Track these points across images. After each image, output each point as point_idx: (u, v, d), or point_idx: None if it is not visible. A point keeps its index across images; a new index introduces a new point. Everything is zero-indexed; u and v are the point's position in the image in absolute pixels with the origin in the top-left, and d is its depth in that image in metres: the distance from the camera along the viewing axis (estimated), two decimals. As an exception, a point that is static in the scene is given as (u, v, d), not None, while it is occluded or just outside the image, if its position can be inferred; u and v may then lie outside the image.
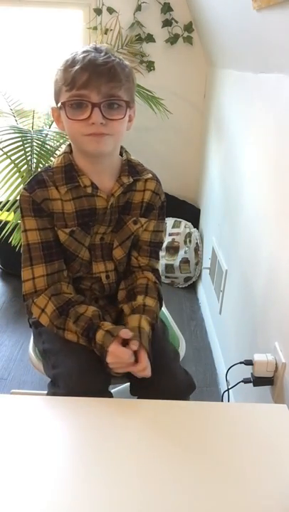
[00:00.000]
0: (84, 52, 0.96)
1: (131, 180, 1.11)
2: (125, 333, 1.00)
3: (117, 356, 0.97)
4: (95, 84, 0.94)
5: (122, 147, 1.12)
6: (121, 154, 1.13)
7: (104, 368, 1.00)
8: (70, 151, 1.10)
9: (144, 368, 0.98)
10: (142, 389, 1.03)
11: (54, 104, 1.03)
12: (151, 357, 1.00)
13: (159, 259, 1.23)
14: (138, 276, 1.18)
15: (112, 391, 1.07)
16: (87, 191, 1.07)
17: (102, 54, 0.96)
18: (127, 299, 1.15)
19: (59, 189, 1.06)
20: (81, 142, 1.01)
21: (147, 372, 0.98)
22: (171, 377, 1.06)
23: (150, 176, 1.16)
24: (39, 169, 2.17)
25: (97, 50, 0.97)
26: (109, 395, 1.03)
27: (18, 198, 2.15)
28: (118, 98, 0.97)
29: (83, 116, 0.96)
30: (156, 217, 1.18)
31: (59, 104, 1.00)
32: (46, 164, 2.18)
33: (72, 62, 0.95)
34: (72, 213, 1.07)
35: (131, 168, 1.13)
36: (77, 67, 0.93)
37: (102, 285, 1.17)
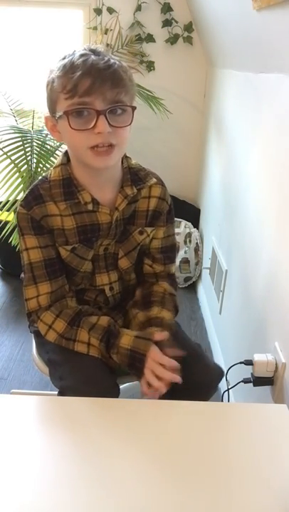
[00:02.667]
0: (82, 55, 0.88)
1: (135, 191, 1.05)
2: (160, 335, 0.97)
3: (159, 360, 0.94)
4: (99, 90, 0.87)
5: None
6: (121, 161, 1.06)
7: (113, 371, 1.00)
8: (67, 161, 1.03)
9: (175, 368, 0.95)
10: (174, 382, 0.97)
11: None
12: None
13: (174, 262, 1.19)
14: (154, 284, 1.14)
15: (121, 387, 1.06)
16: (87, 208, 1.01)
17: (102, 57, 0.89)
18: (143, 307, 1.10)
19: (58, 205, 1.00)
20: (85, 156, 0.93)
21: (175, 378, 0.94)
22: (205, 365, 1.07)
23: (154, 181, 1.10)
24: (37, 175, 2.19)
25: (94, 52, 0.90)
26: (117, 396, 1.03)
27: (17, 199, 2.17)
28: (124, 104, 0.91)
29: (88, 126, 0.88)
30: (164, 223, 1.13)
31: (58, 114, 0.91)
32: (46, 164, 2.19)
33: (71, 68, 0.87)
34: (72, 229, 1.02)
35: (133, 176, 1.06)
36: (78, 73, 0.86)
37: (106, 297, 1.14)
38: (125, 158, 1.07)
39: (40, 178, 1.04)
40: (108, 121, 0.88)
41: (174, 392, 0.95)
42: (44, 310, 1.03)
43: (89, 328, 1.00)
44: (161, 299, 1.11)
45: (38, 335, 1.14)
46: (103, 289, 1.13)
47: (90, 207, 1.01)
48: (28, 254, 1.02)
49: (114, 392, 1.00)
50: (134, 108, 0.93)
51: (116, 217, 1.04)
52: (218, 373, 1.10)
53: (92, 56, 0.89)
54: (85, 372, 0.98)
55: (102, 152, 0.91)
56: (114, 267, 1.11)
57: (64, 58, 0.91)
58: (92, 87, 0.86)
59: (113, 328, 1.01)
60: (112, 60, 0.90)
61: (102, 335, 0.99)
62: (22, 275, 1.10)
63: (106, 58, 0.90)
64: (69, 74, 0.87)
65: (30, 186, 1.03)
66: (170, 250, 1.16)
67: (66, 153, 1.04)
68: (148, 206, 1.10)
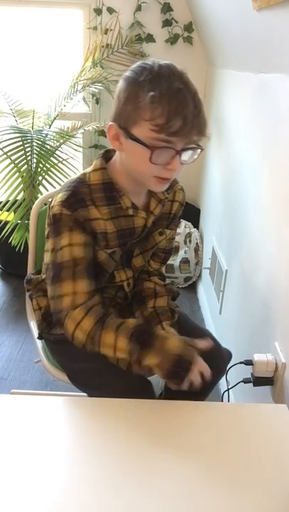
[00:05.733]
0: (178, 90, 0.86)
1: (167, 195, 1.08)
2: (203, 343, 0.97)
3: (203, 371, 0.93)
4: (187, 134, 0.88)
5: None
6: None
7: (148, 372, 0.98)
8: (106, 167, 1.02)
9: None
10: None
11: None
12: None
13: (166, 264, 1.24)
14: (145, 280, 1.18)
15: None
16: (128, 213, 1.02)
17: (192, 94, 0.88)
18: (137, 304, 1.15)
19: (99, 209, 0.99)
20: (146, 180, 0.96)
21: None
22: (216, 348, 1.10)
23: (180, 186, 1.14)
24: (37, 175, 2.19)
25: (183, 81, 0.88)
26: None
27: (23, 204, 2.17)
28: (199, 147, 0.93)
29: (163, 161, 0.90)
30: (175, 226, 1.18)
31: (132, 135, 0.90)
32: (46, 164, 2.19)
33: (167, 102, 0.85)
34: (113, 233, 1.02)
35: None
36: (171, 110, 0.84)
37: (125, 293, 1.16)
38: None
39: (76, 179, 1.01)
40: (180, 160, 0.91)
41: None
42: (75, 307, 0.98)
43: (116, 327, 0.96)
44: (153, 290, 1.16)
45: (59, 342, 1.13)
46: (122, 285, 1.14)
47: (130, 212, 1.02)
48: (72, 249, 0.97)
49: (150, 392, 1.03)
50: (202, 149, 0.94)
51: (151, 221, 1.07)
52: (228, 356, 1.16)
53: (187, 93, 0.87)
54: (126, 380, 0.98)
55: (164, 180, 0.95)
56: (128, 265, 1.13)
57: (153, 76, 0.87)
58: (181, 130, 0.86)
59: (146, 327, 0.99)
60: (198, 95, 0.90)
61: (133, 333, 0.94)
62: (43, 275, 1.12)
63: (196, 97, 0.89)
64: (164, 106, 0.85)
65: (68, 187, 0.99)
66: (170, 252, 1.22)
67: (104, 156, 1.03)
68: (171, 209, 1.13)
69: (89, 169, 1.03)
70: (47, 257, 1.03)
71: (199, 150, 0.93)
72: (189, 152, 0.93)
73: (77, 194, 0.98)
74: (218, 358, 1.12)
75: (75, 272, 0.98)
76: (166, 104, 0.85)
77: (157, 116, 0.85)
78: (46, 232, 1.05)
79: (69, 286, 0.98)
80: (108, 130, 0.95)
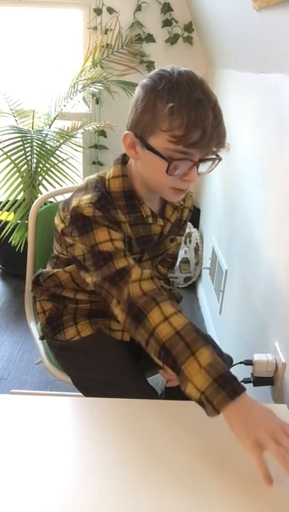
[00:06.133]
0: (199, 101, 0.83)
1: (182, 202, 1.08)
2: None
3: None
4: (205, 146, 0.86)
5: None
6: None
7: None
8: (126, 173, 0.99)
9: None
10: None
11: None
12: None
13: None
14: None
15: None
16: (148, 221, 1.01)
17: (212, 103, 0.86)
18: None
19: (124, 215, 0.98)
20: (162, 190, 0.95)
21: None
22: (217, 353, 1.08)
23: (190, 193, 1.12)
24: (37, 175, 2.18)
25: (203, 90, 0.86)
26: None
27: (23, 204, 2.17)
28: (218, 157, 0.91)
29: (180, 173, 0.89)
30: (184, 231, 1.17)
31: (149, 144, 0.87)
32: (46, 164, 2.19)
33: (187, 112, 0.82)
34: (134, 240, 1.02)
35: None
36: (190, 122, 0.82)
37: None
38: None
39: (97, 182, 0.98)
40: (198, 171, 0.89)
41: None
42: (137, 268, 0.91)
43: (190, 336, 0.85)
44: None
45: (63, 349, 1.13)
46: None
47: (150, 220, 1.01)
48: (113, 243, 0.92)
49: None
50: (220, 159, 0.92)
51: (168, 228, 1.06)
52: (229, 361, 1.16)
53: (207, 104, 0.85)
54: (135, 392, 0.96)
55: (181, 191, 0.94)
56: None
57: (172, 85, 0.85)
58: (200, 142, 0.84)
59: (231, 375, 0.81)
60: (218, 106, 0.88)
61: (219, 376, 0.78)
62: (54, 270, 1.11)
63: (216, 107, 0.87)
64: (184, 117, 0.82)
65: (96, 189, 0.96)
66: (177, 256, 1.22)
67: (121, 161, 1.00)
68: (182, 216, 1.13)
69: (107, 175, 0.99)
70: (75, 251, 0.97)
71: (217, 160, 0.92)
72: (208, 163, 0.91)
73: (107, 196, 0.95)
74: None
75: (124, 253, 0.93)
76: (185, 115, 0.82)
77: (176, 128, 0.83)
78: (61, 230, 1.01)
79: (123, 260, 0.91)
80: (124, 138, 0.92)
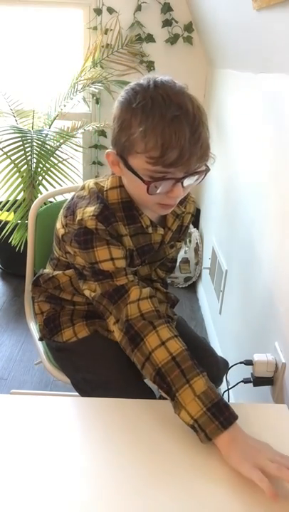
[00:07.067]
0: (174, 118, 0.79)
1: (183, 209, 1.07)
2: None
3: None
4: (186, 163, 0.82)
5: None
6: None
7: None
8: (123, 184, 0.97)
9: None
10: None
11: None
12: None
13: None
14: (146, 286, 1.16)
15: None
16: (148, 231, 1.00)
17: (190, 117, 0.81)
18: None
19: (124, 227, 0.97)
20: (150, 206, 0.93)
21: None
22: (212, 358, 1.10)
23: (192, 198, 1.11)
24: (37, 175, 2.18)
25: (180, 104, 0.81)
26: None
27: (23, 204, 2.17)
28: (202, 171, 0.87)
29: (163, 191, 0.86)
30: (185, 236, 1.16)
31: (129, 164, 0.86)
32: (46, 164, 2.19)
33: (161, 132, 0.79)
34: (135, 251, 1.01)
35: None
36: (165, 142, 0.79)
37: None
38: None
39: (98, 194, 0.97)
40: (183, 186, 0.86)
41: None
42: (137, 286, 0.93)
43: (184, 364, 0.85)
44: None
45: (60, 350, 1.13)
46: None
47: (150, 230, 1.00)
48: (114, 262, 0.93)
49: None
50: (208, 171, 0.88)
51: (169, 236, 1.05)
52: (225, 365, 1.15)
53: (183, 119, 0.80)
54: (131, 394, 0.95)
55: (169, 206, 0.92)
56: (134, 273, 1.10)
57: (146, 102, 0.81)
58: (178, 161, 0.81)
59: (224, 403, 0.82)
60: (198, 119, 0.82)
61: (212, 405, 0.80)
62: (54, 272, 1.11)
63: (196, 120, 0.81)
64: (158, 138, 0.79)
65: (97, 202, 0.94)
66: (176, 260, 1.21)
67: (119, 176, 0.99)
68: (183, 222, 1.11)
69: (106, 185, 0.98)
70: (75, 259, 0.98)
71: (205, 172, 0.88)
72: (194, 177, 0.87)
73: (109, 208, 0.94)
74: (214, 367, 1.09)
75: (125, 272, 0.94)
76: (159, 136, 0.79)
77: (151, 149, 0.80)
78: (61, 236, 1.01)
79: (123, 278, 0.92)
80: (106, 156, 0.92)
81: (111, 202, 0.96)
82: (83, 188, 1.01)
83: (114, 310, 0.91)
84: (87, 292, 0.97)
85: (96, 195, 0.96)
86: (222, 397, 0.80)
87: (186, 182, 0.86)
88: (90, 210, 0.93)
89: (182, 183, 0.86)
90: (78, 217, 0.93)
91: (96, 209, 0.92)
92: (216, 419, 0.77)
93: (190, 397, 0.79)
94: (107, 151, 0.91)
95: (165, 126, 0.79)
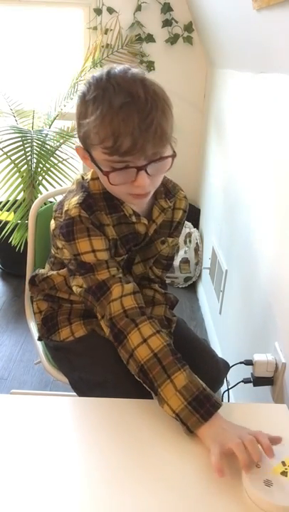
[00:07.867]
0: (123, 105, 0.79)
1: (170, 204, 1.06)
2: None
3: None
4: (141, 150, 0.81)
5: None
6: None
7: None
8: None
9: None
10: None
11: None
12: None
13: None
14: (145, 287, 1.15)
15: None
16: (131, 220, 1.00)
17: (144, 105, 0.79)
18: None
19: (107, 216, 0.97)
20: (122, 197, 0.94)
21: None
22: (213, 359, 1.09)
23: (182, 194, 1.11)
24: (37, 175, 2.19)
25: (131, 92, 0.79)
26: None
27: (23, 204, 2.17)
28: (165, 156, 0.86)
29: (127, 180, 0.86)
30: (179, 233, 1.16)
31: (93, 156, 0.87)
32: (46, 164, 2.19)
33: (110, 122, 0.79)
34: (118, 240, 1.00)
35: (166, 189, 1.06)
36: (115, 131, 0.79)
37: None
38: None
39: (82, 184, 0.99)
40: (148, 173, 0.85)
41: None
42: (120, 282, 0.93)
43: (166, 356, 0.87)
44: (152, 298, 1.13)
45: (58, 349, 1.13)
46: None
47: (133, 219, 1.00)
48: (95, 254, 0.94)
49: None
50: (174, 156, 0.88)
51: (153, 229, 1.05)
52: (225, 367, 1.14)
53: (133, 106, 0.79)
54: (128, 393, 0.95)
55: (141, 195, 0.91)
56: (128, 271, 1.10)
57: (98, 93, 0.81)
58: (133, 148, 0.80)
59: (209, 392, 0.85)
60: (152, 103, 0.80)
61: (193, 398, 0.82)
62: (49, 272, 1.10)
63: (148, 107, 0.80)
64: (107, 128, 0.79)
65: (82, 190, 0.97)
66: (173, 258, 1.21)
67: None
68: (173, 217, 1.11)
69: (87, 177, 1.00)
70: (64, 254, 1.00)
71: (170, 157, 0.87)
72: (158, 163, 0.85)
73: (92, 197, 0.95)
74: (214, 368, 1.09)
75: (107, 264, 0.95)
76: (108, 125, 0.79)
77: (104, 140, 0.80)
78: (52, 231, 1.04)
79: (105, 272, 0.93)
80: (76, 151, 0.93)
81: (93, 192, 0.97)
82: (73, 183, 1.03)
83: (98, 308, 0.94)
84: (75, 288, 0.99)
85: (81, 185, 0.99)
86: (203, 389, 0.83)
87: (151, 169, 0.85)
88: (75, 199, 0.95)
89: (146, 171, 0.84)
90: (65, 208, 0.95)
91: (80, 197, 0.94)
92: (197, 412, 0.79)
93: (171, 392, 0.82)
94: (76, 145, 0.93)
95: (114, 114, 0.79)
